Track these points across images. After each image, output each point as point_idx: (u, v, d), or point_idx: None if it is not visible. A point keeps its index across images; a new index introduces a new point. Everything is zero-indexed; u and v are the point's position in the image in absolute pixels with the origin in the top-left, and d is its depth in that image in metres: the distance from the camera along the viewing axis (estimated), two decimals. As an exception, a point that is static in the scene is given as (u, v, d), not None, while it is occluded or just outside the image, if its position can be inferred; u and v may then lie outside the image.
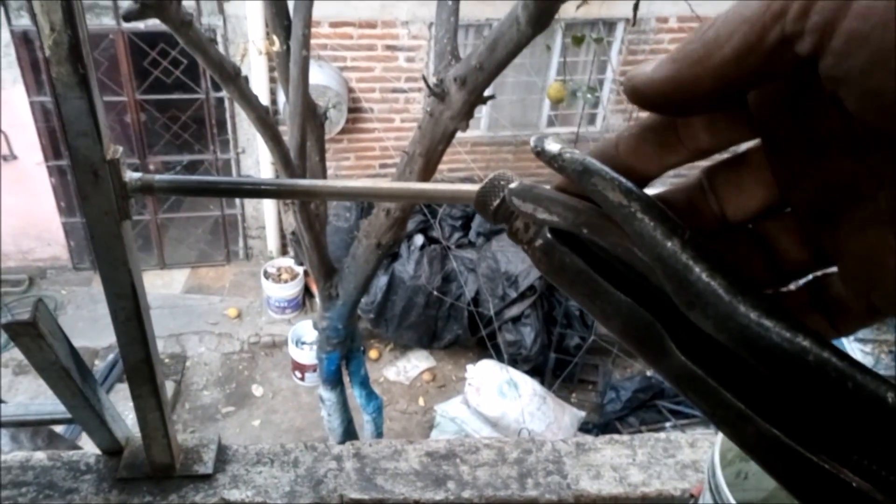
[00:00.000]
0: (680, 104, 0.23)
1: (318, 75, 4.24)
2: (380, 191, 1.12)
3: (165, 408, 1.24)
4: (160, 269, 5.04)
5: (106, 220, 1.01)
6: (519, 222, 0.31)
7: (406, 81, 4.59)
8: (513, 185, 0.30)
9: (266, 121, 2.41)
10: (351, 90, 4.59)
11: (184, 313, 4.76)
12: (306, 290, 4.86)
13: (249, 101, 2.28)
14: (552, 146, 0.28)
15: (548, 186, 0.30)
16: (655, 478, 1.39)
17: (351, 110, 4.60)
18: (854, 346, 3.39)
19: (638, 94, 0.24)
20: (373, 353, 4.72)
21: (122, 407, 1.22)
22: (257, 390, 4.46)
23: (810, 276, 0.27)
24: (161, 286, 4.94)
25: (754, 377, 0.25)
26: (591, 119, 5.12)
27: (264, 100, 4.32)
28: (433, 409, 4.13)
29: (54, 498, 1.26)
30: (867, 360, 3.33)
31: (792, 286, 0.27)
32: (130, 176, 1.02)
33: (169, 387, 4.29)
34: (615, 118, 5.03)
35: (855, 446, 0.23)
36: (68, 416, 1.20)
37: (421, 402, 4.47)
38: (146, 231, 4.98)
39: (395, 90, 4.66)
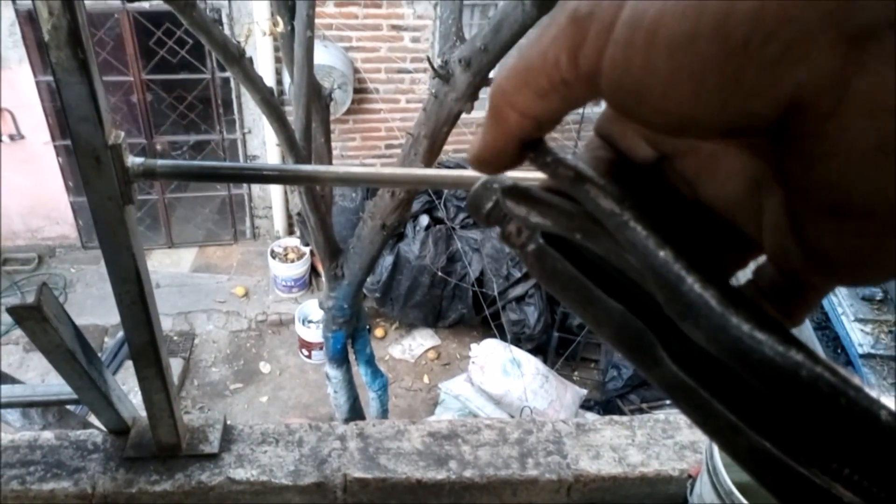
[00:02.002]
0: (507, 150, 0.26)
1: (324, 55, 4.22)
2: (382, 176, 1.13)
3: (171, 389, 1.26)
4: (168, 248, 5.07)
5: (109, 205, 1.02)
6: (512, 226, 0.30)
7: (411, 62, 4.56)
8: (507, 186, 0.30)
9: (271, 102, 2.41)
10: (356, 70, 4.57)
11: (192, 291, 4.80)
12: (312, 270, 4.88)
13: (254, 82, 2.28)
14: (545, 150, 0.28)
15: (536, 184, 0.30)
16: (654, 458, 1.41)
17: (356, 91, 4.58)
18: (854, 326, 3.38)
19: (489, 171, 0.27)
20: (378, 332, 4.76)
21: (132, 384, 1.24)
22: (265, 367, 4.50)
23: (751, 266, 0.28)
24: (169, 265, 4.98)
25: (746, 389, 0.25)
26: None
27: (270, 81, 4.31)
28: (437, 387, 4.17)
29: (62, 477, 1.28)
30: (867, 341, 3.32)
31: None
32: (133, 161, 1.02)
33: (178, 364, 4.34)
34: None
35: (847, 461, 0.23)
36: (75, 396, 1.22)
37: (426, 379, 4.51)
38: (154, 210, 5.01)
39: (400, 71, 4.64)
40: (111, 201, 1.02)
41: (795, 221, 0.22)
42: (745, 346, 0.23)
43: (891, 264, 0.20)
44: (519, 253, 0.30)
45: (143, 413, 1.32)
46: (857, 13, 0.17)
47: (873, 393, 0.22)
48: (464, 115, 2.66)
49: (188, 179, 1.09)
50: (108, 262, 1.10)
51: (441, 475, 1.36)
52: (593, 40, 0.20)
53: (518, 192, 0.29)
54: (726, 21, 0.18)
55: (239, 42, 2.22)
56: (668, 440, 1.44)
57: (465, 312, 4.57)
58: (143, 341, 1.18)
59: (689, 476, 1.36)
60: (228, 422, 1.42)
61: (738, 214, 0.26)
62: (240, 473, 1.33)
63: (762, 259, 0.27)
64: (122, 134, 1.01)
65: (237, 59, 2.17)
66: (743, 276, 0.28)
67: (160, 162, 1.03)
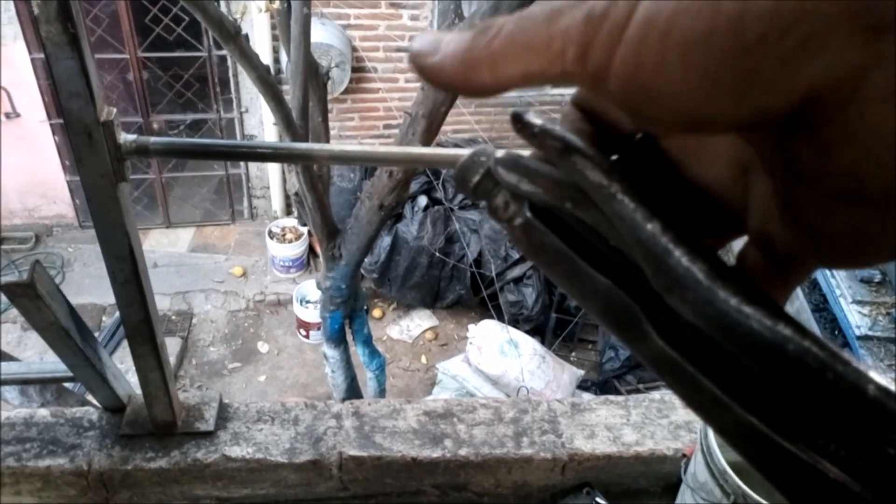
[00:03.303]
0: (465, 93, 0.25)
1: (321, 33, 4.18)
2: (377, 155, 1.12)
3: (166, 367, 1.26)
4: (166, 228, 5.05)
5: (102, 183, 1.01)
6: (499, 199, 0.30)
7: (409, 40, 4.52)
8: (499, 155, 0.30)
9: (267, 80, 2.39)
10: (354, 49, 4.53)
11: (190, 271, 4.80)
12: (310, 250, 4.88)
13: (250, 59, 2.26)
14: (533, 120, 0.27)
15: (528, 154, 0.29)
16: (649, 437, 1.42)
17: (354, 70, 4.55)
18: (852, 308, 3.39)
19: (424, 76, 0.25)
20: (376, 313, 4.76)
21: (130, 363, 1.24)
22: (263, 347, 4.51)
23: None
24: (167, 245, 4.97)
25: (733, 364, 0.25)
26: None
27: (266, 59, 4.27)
28: (435, 367, 4.18)
29: (58, 454, 1.29)
30: (864, 323, 3.33)
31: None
32: (125, 138, 1.01)
33: (176, 343, 4.35)
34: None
35: (833, 436, 0.23)
36: (70, 374, 1.22)
37: (423, 360, 4.52)
38: (151, 190, 4.99)
39: (399, 49, 4.59)
40: (104, 178, 1.01)
41: (797, 207, 0.22)
42: (732, 320, 0.23)
43: (893, 250, 0.21)
44: (506, 227, 0.29)
45: (139, 391, 1.32)
46: (876, 6, 0.17)
47: (862, 367, 0.21)
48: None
49: (181, 157, 1.08)
50: (101, 239, 1.09)
51: (436, 453, 1.37)
52: (605, 39, 0.20)
53: (509, 161, 0.29)
54: (742, 17, 0.17)
55: (235, 19, 2.19)
56: (662, 420, 1.45)
57: (463, 293, 4.57)
58: (138, 319, 1.17)
59: (684, 455, 1.37)
60: (225, 400, 1.43)
61: (720, 196, 0.26)
62: (235, 451, 1.34)
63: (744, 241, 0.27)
64: (115, 110, 1.00)
65: (233, 35, 2.15)
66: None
67: (153, 139, 1.02)
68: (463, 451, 1.38)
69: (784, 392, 0.23)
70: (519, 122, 0.27)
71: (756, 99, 0.19)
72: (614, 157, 0.28)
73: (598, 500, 1.38)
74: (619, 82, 0.20)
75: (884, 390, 0.21)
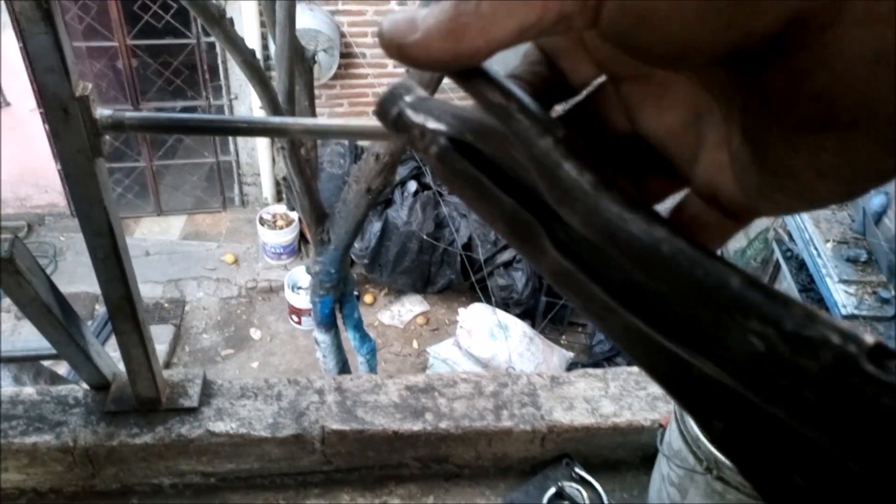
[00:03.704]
0: (456, 65, 0.24)
1: (309, 19, 4.17)
2: (352, 128, 1.13)
3: (149, 343, 1.28)
4: (157, 216, 5.05)
5: (78, 158, 1.03)
6: (416, 131, 0.32)
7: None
8: (408, 98, 0.31)
9: (253, 64, 2.39)
10: (343, 34, 4.52)
11: (182, 259, 4.80)
12: (301, 237, 4.89)
13: (235, 43, 2.26)
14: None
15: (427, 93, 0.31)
16: (626, 409, 1.44)
17: (343, 55, 4.54)
18: (838, 287, 3.42)
19: (408, 59, 0.23)
20: (368, 298, 4.78)
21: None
22: (255, 333, 4.53)
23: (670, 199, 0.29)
24: (159, 232, 4.97)
25: (620, 270, 0.27)
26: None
27: (254, 44, 4.26)
28: (426, 352, 4.21)
29: (44, 430, 1.31)
30: (851, 302, 3.36)
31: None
32: (101, 113, 1.03)
33: (169, 330, 4.37)
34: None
35: (707, 332, 0.24)
36: (53, 351, 1.23)
37: (415, 344, 4.55)
38: (142, 178, 4.98)
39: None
40: (80, 154, 1.02)
41: (762, 144, 0.22)
42: (613, 227, 0.24)
43: (859, 178, 0.21)
44: (423, 156, 0.31)
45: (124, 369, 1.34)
46: None
47: (730, 265, 0.23)
48: (447, 79, 2.64)
49: (157, 132, 1.09)
50: (80, 216, 1.10)
51: (417, 426, 1.39)
52: None
53: (419, 101, 0.31)
54: None
55: (220, 3, 2.19)
56: (640, 391, 1.47)
57: (454, 278, 4.59)
58: (119, 296, 1.19)
59: (660, 426, 1.40)
60: (209, 377, 1.44)
61: (672, 145, 0.27)
62: (219, 426, 1.36)
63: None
64: (90, 86, 1.01)
65: (217, 19, 2.15)
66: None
67: (128, 114, 1.03)
68: (444, 424, 1.40)
69: (665, 293, 0.25)
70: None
71: (745, 20, 0.19)
72: (562, 106, 0.30)
73: (576, 470, 1.40)
74: (612, 9, 0.20)
75: (746, 282, 0.22)
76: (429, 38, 0.23)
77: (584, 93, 0.29)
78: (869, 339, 0.21)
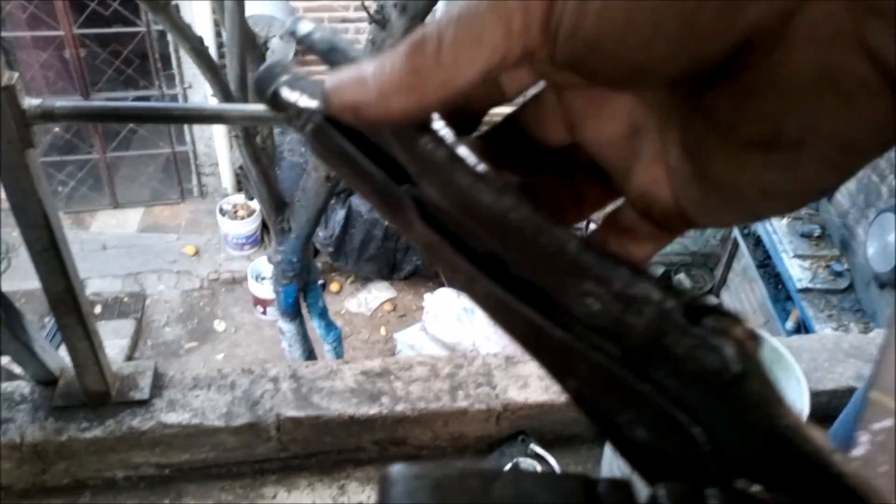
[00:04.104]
0: (420, 118, 0.23)
1: (263, 6, 4.10)
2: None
3: (94, 336, 1.26)
4: (113, 209, 4.95)
5: (9, 150, 1.00)
6: (293, 109, 0.32)
7: (355, 10, 4.46)
8: (284, 77, 0.31)
9: (202, 52, 2.34)
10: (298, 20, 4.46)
11: (140, 252, 4.72)
12: (264, 226, 4.83)
13: (182, 31, 2.21)
14: (304, 26, 0.29)
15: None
16: (580, 386, 1.46)
17: (300, 41, 4.48)
18: (794, 262, 3.50)
19: (366, 120, 0.23)
20: (334, 287, 4.76)
21: (105, 343, 1.26)
22: (219, 325, 4.49)
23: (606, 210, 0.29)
24: (115, 226, 4.87)
25: (481, 241, 0.27)
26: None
27: (208, 33, 4.18)
28: (394, 338, 4.21)
29: (-11, 427, 1.28)
30: (805, 276, 3.44)
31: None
32: (30, 103, 1.00)
33: (130, 325, 4.30)
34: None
35: (552, 297, 0.25)
36: (-6, 347, 1.21)
37: (382, 331, 4.54)
38: (96, 170, 4.87)
39: (344, 20, 4.54)
40: (10, 145, 1.00)
41: (706, 161, 0.22)
42: (467, 197, 0.25)
43: (802, 195, 0.21)
44: (300, 133, 0.31)
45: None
46: None
47: (570, 232, 0.24)
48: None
49: (89, 120, 1.07)
50: (14, 208, 1.08)
51: (373, 410, 1.40)
52: None
53: (293, 80, 0.31)
54: None
55: (163, -12, 2.14)
56: (593, 368, 1.50)
57: (420, 264, 4.59)
58: (60, 289, 1.16)
59: (612, 400, 1.42)
60: (160, 369, 1.43)
61: (610, 156, 0.27)
62: (172, 417, 1.34)
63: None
64: (17, 75, 0.99)
65: (162, 6, 2.10)
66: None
67: (58, 103, 1.01)
68: (400, 407, 1.41)
69: (516, 260, 0.26)
70: (292, 29, 0.29)
71: (695, 47, 0.19)
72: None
73: (532, 446, 1.42)
74: (565, 36, 0.20)
75: (582, 246, 0.23)
76: (386, 97, 0.22)
77: (522, 101, 0.29)
78: (686, 294, 0.22)
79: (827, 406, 1.43)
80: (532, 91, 0.28)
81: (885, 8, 0.17)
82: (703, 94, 0.21)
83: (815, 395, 1.57)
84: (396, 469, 0.23)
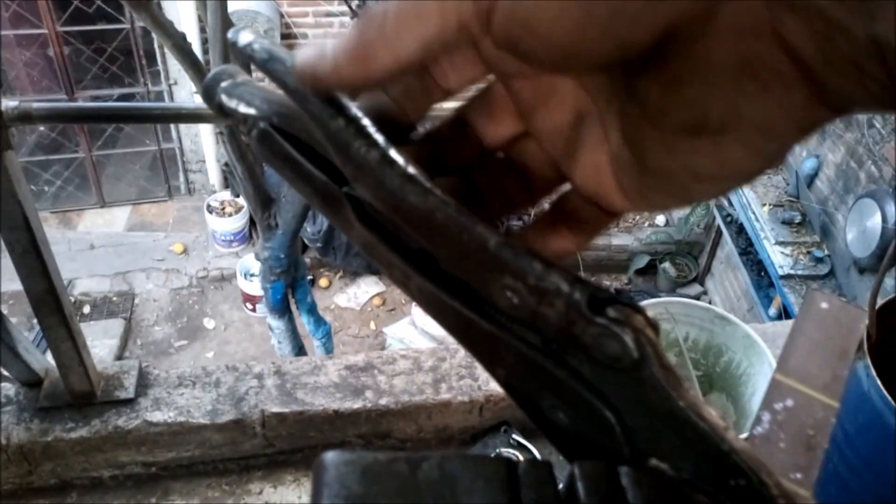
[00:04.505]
0: (367, 85, 0.25)
1: (247, 2, 4.09)
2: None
3: (78, 337, 1.26)
4: (100, 208, 4.93)
5: (-14, 152, 1.00)
6: (239, 115, 0.33)
7: (339, 4, 4.45)
8: (224, 84, 0.33)
9: (184, 48, 2.33)
10: (282, 15, 4.44)
11: (128, 251, 4.71)
12: (252, 223, 4.82)
13: (164, 27, 2.20)
14: (244, 37, 0.30)
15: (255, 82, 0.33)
16: (561, 377, 1.48)
17: (284, 37, 4.46)
18: (775, 249, 3.54)
19: (321, 84, 0.25)
20: (323, 282, 4.77)
21: (94, 342, 1.27)
22: (209, 323, 4.48)
23: (555, 195, 0.30)
24: (102, 224, 4.85)
25: (414, 239, 0.29)
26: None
27: (192, 27, 4.16)
28: (384, 333, 4.23)
29: (-27, 429, 1.29)
30: (787, 262, 3.48)
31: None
32: (7, 104, 1.00)
33: (119, 324, 4.29)
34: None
35: (477, 291, 0.27)
36: (-23, 349, 1.21)
37: (372, 325, 4.56)
38: (82, 169, 4.85)
39: (328, 14, 4.53)
40: (-13, 147, 1.00)
41: (640, 147, 0.23)
42: (396, 198, 0.26)
43: (730, 178, 0.23)
44: (246, 138, 0.33)
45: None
46: None
47: (489, 228, 0.25)
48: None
49: (67, 121, 1.07)
50: (-7, 210, 1.08)
51: (357, 404, 1.41)
52: None
53: (232, 87, 0.32)
54: None
55: (144, -14, 2.13)
56: (574, 359, 1.51)
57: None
58: (41, 289, 1.17)
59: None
60: (145, 367, 1.44)
61: (557, 143, 0.28)
62: (157, 416, 1.35)
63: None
64: (-8, 77, 0.99)
65: (143, 3, 2.09)
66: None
67: (35, 105, 1.01)
68: (384, 401, 1.42)
69: (444, 257, 0.27)
70: (233, 40, 0.30)
71: (624, 33, 0.20)
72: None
73: (514, 436, 1.44)
74: (502, 16, 0.21)
75: (501, 242, 0.25)
76: (338, 63, 0.24)
77: (469, 95, 0.30)
78: (591, 286, 0.24)
79: (804, 392, 1.46)
80: (479, 85, 0.29)
81: (801, 5, 0.17)
82: (636, 81, 0.22)
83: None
84: (329, 456, 0.25)
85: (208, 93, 0.34)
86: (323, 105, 0.27)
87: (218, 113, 0.34)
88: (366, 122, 0.27)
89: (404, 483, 0.24)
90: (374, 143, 0.27)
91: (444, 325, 0.30)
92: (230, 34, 0.31)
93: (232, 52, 0.37)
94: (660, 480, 0.26)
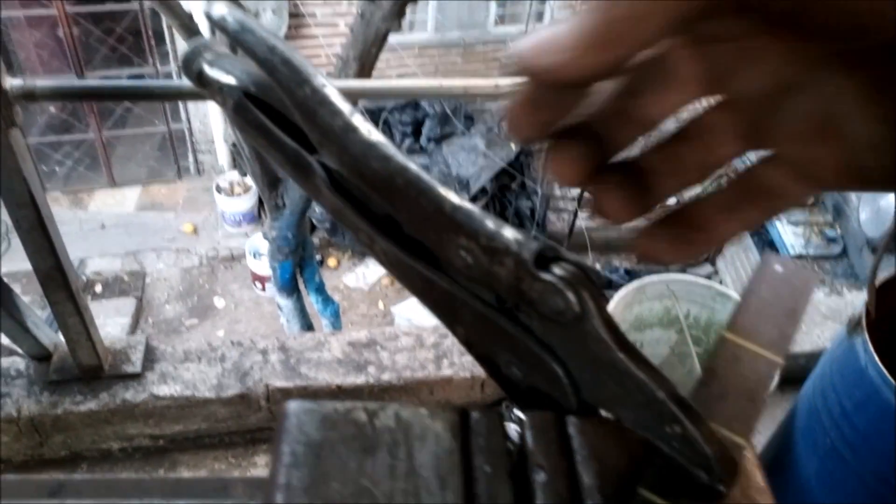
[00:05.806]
0: (612, 73, 0.22)
1: (254, -22, 4.08)
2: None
3: (85, 312, 1.28)
4: (111, 188, 4.97)
5: (-9, 130, 1.02)
6: (216, 86, 0.34)
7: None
8: (207, 55, 0.34)
9: (191, 28, 2.34)
10: (290, -7, 4.43)
11: (139, 231, 4.75)
12: (261, 203, 4.85)
13: (171, 8, 2.21)
14: (217, 10, 0.31)
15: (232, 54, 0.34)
16: (562, 353, 1.49)
17: (292, 15, 4.45)
18: (787, 229, 3.52)
19: (562, 79, 0.22)
20: (332, 262, 4.79)
21: (106, 321, 1.29)
22: (219, 302, 4.53)
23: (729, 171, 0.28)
24: (113, 205, 4.90)
25: (379, 204, 0.30)
26: (539, 16, 5.02)
27: (199, 7, 4.16)
28: (392, 312, 4.26)
29: (-15, 401, 1.32)
30: (798, 242, 3.46)
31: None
32: (11, 83, 1.02)
33: (131, 303, 4.35)
34: (564, 14, 4.94)
35: (436, 252, 0.28)
36: (-13, 324, 1.24)
37: (381, 305, 4.59)
38: (92, 150, 4.88)
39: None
40: (-8, 125, 1.02)
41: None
42: (359, 163, 0.27)
43: None
44: (223, 107, 0.34)
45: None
46: None
47: (447, 191, 0.26)
48: (405, 38, 2.62)
49: (71, 100, 1.08)
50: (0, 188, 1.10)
51: (360, 380, 1.43)
52: None
53: (215, 59, 0.33)
54: None
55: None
56: (575, 336, 1.52)
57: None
58: (49, 266, 1.19)
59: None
60: (152, 343, 1.46)
61: (755, 112, 0.25)
62: (163, 390, 1.38)
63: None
64: (-4, 55, 1.00)
65: (147, -18, 2.09)
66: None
67: (39, 83, 1.02)
68: (386, 376, 1.44)
69: (405, 219, 0.28)
70: (207, 14, 0.31)
71: None
72: None
73: (515, 411, 1.46)
74: None
75: (456, 204, 0.26)
76: (583, 53, 0.21)
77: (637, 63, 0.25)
78: (538, 244, 0.25)
79: (804, 368, 1.46)
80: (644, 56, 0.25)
81: None
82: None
83: (793, 358, 1.60)
84: (291, 404, 0.26)
85: (188, 63, 0.35)
86: (291, 74, 0.28)
87: (197, 82, 0.35)
88: (330, 90, 0.28)
89: (361, 430, 0.26)
90: (338, 111, 0.28)
91: (408, 286, 0.31)
92: (204, 6, 0.32)
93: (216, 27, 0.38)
94: (603, 429, 0.27)
